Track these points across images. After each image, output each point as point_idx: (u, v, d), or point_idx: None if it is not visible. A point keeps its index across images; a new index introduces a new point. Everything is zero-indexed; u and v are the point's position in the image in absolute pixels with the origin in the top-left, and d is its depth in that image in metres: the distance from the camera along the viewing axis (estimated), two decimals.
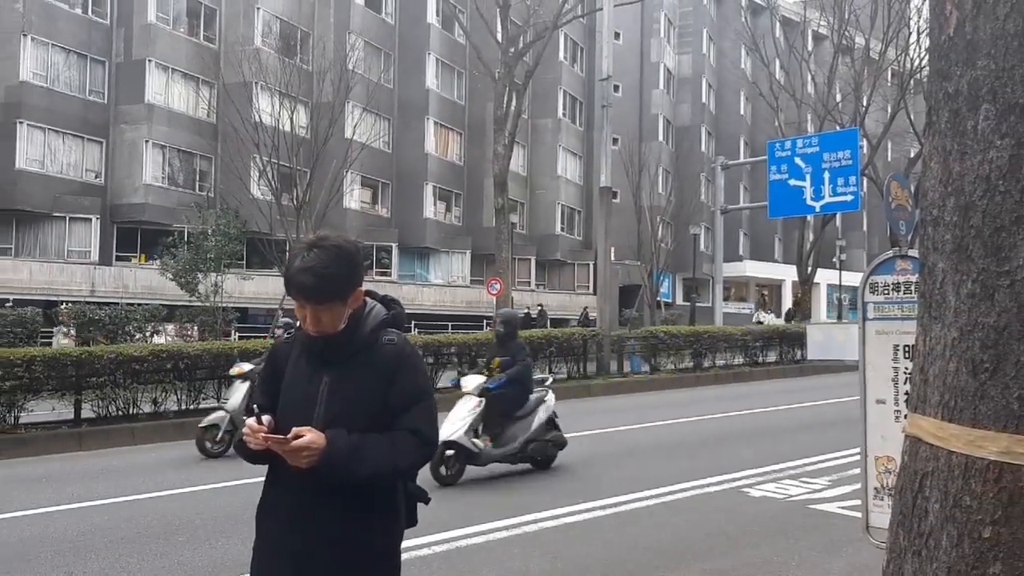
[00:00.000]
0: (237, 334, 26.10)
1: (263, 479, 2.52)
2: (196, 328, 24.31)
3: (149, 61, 31.77)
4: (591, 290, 43.05)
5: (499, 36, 28.44)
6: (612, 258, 22.41)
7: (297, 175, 27.33)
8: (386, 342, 2.45)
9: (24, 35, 29.26)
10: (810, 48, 42.56)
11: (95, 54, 31.64)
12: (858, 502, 4.57)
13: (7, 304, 23.53)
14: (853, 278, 49.34)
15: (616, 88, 39.13)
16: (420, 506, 2.61)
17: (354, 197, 36.90)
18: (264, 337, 23.48)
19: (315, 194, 27.55)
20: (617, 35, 39.52)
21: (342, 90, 28.31)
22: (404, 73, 40.24)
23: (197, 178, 33.69)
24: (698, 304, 40.93)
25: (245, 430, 2.34)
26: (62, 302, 26.11)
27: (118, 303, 24.87)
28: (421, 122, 40.03)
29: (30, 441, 10.66)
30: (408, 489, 2.53)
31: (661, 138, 49.95)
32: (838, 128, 32.90)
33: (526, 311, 33.89)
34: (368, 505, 2.39)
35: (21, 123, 29.19)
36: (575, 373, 18.05)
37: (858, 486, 4.41)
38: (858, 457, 4.25)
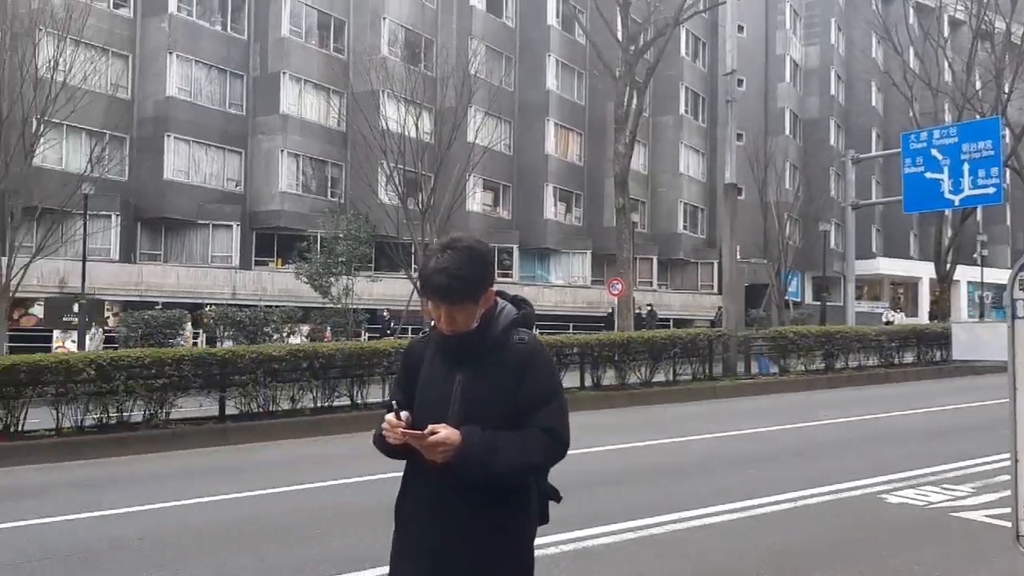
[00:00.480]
0: (367, 335, 26.96)
1: (397, 474, 2.60)
2: (313, 328, 25.35)
3: (283, 73, 33.21)
4: (715, 289, 42.24)
5: (619, 34, 28.31)
6: (738, 256, 21.93)
7: (422, 180, 28.02)
8: (517, 341, 2.49)
9: (170, 53, 31.12)
10: (946, 34, 40.35)
11: (234, 68, 33.33)
12: (1006, 510, 4.35)
13: (157, 307, 25.14)
14: (996, 275, 46.68)
15: (740, 82, 38.16)
16: (551, 504, 2.62)
17: (476, 200, 37.46)
18: (391, 336, 24.19)
19: (439, 198, 28.17)
20: (740, 28, 38.56)
21: (464, 95, 28.80)
22: (524, 75, 40.58)
23: (329, 185, 34.99)
24: (828, 303, 39.53)
25: (384, 425, 2.42)
26: (207, 304, 27.69)
27: (257, 305, 26.11)
28: (541, 123, 40.27)
29: (179, 436, 11.34)
30: (540, 487, 2.56)
31: (788, 132, 48.54)
32: (978, 117, 31.12)
33: (637, 311, 33.61)
34: (502, 501, 2.43)
35: (168, 136, 31.05)
36: (700, 374, 17.76)
37: (1005, 493, 4.21)
38: (1005, 463, 4.05)
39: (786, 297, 39.91)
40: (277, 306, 25.77)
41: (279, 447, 11.21)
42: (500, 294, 2.57)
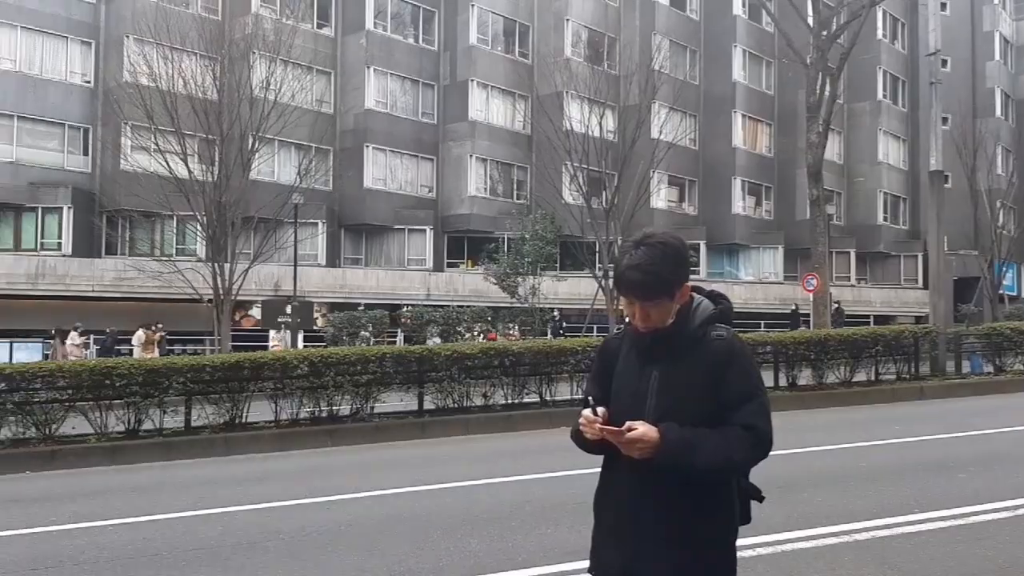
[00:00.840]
0: (552, 334, 27.33)
1: (591, 470, 2.64)
2: (516, 327, 25.86)
3: (471, 81, 34.29)
4: (920, 284, 39.67)
5: (810, 20, 27.17)
6: (945, 248, 20.48)
7: (606, 178, 28.07)
8: (715, 337, 2.43)
9: (368, 67, 32.92)
10: None
11: (425, 79, 34.79)
12: None
13: (360, 308, 26.67)
14: None
15: (944, 63, 35.71)
16: (753, 505, 2.57)
17: (661, 196, 37.10)
18: (577, 335, 24.39)
19: (623, 196, 28.12)
20: (943, 6, 36.09)
21: (648, 91, 28.60)
22: (710, 68, 39.77)
23: (515, 187, 35.79)
24: None
25: (581, 420, 2.44)
26: (404, 305, 29.07)
27: (449, 305, 27.10)
28: (728, 116, 39.30)
29: (382, 429, 12.03)
30: (741, 485, 2.52)
31: (999, 113, 44.82)
32: None
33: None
34: (700, 498, 2.40)
35: (368, 147, 32.87)
36: (905, 374, 16.75)
37: None
38: None
39: (1000, 291, 36.84)
40: (468, 306, 26.62)
41: (474, 441, 11.64)
42: (696, 289, 2.54)
